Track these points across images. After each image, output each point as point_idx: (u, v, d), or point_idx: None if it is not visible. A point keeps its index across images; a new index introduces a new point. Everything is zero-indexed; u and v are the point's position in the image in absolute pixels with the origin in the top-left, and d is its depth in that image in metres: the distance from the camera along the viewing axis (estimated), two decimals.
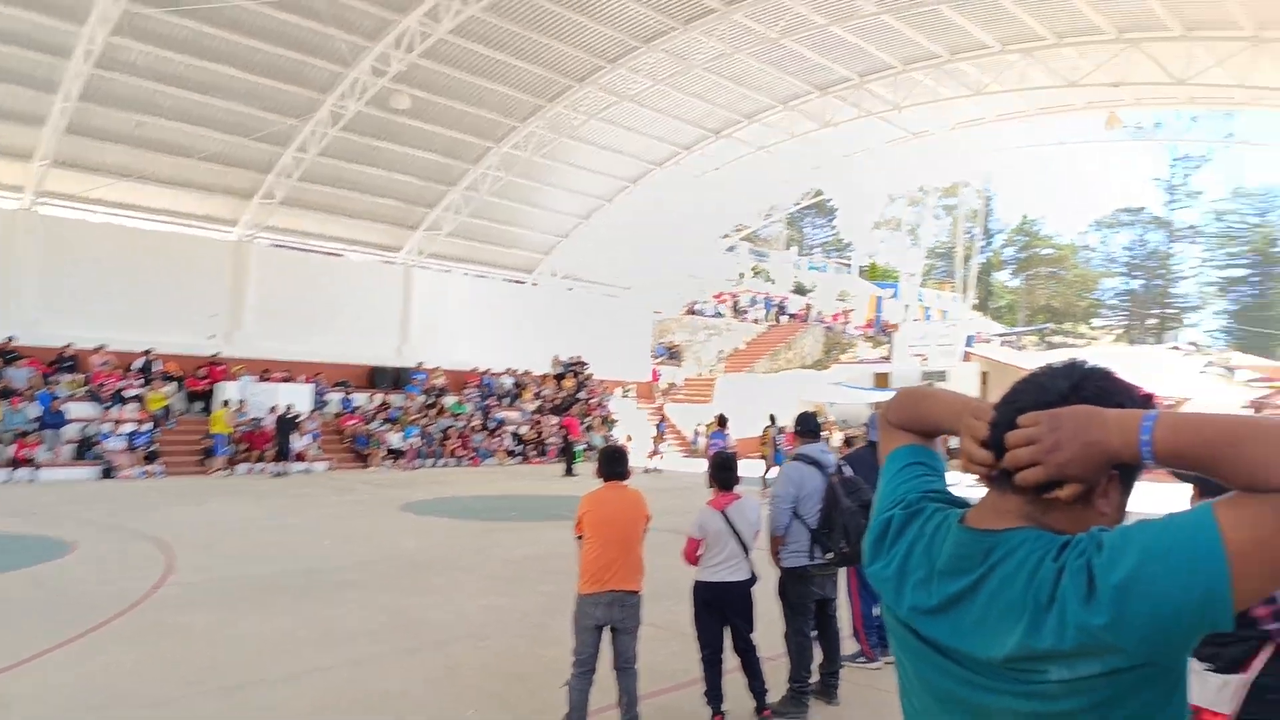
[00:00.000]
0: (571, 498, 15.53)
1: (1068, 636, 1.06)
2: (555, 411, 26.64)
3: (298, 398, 21.04)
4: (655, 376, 33.01)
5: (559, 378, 29.03)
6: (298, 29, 19.22)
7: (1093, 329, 63.00)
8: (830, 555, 5.03)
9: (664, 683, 5.35)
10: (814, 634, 5.21)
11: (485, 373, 27.19)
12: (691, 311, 39.26)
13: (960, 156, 32.48)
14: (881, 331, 40.75)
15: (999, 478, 1.22)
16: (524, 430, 25.40)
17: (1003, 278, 66.58)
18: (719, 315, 39.74)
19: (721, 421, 13.77)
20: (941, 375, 29.73)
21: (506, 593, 7.90)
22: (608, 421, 27.96)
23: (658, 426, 26.46)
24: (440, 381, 25.69)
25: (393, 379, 25.07)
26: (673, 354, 35.94)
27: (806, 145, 28.40)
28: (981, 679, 1.17)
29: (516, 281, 31.05)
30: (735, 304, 41.16)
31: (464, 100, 22.95)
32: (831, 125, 26.32)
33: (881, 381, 31.20)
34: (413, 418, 22.91)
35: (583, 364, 29.83)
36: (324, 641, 6.21)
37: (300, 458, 19.92)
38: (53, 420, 17.70)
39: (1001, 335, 44.63)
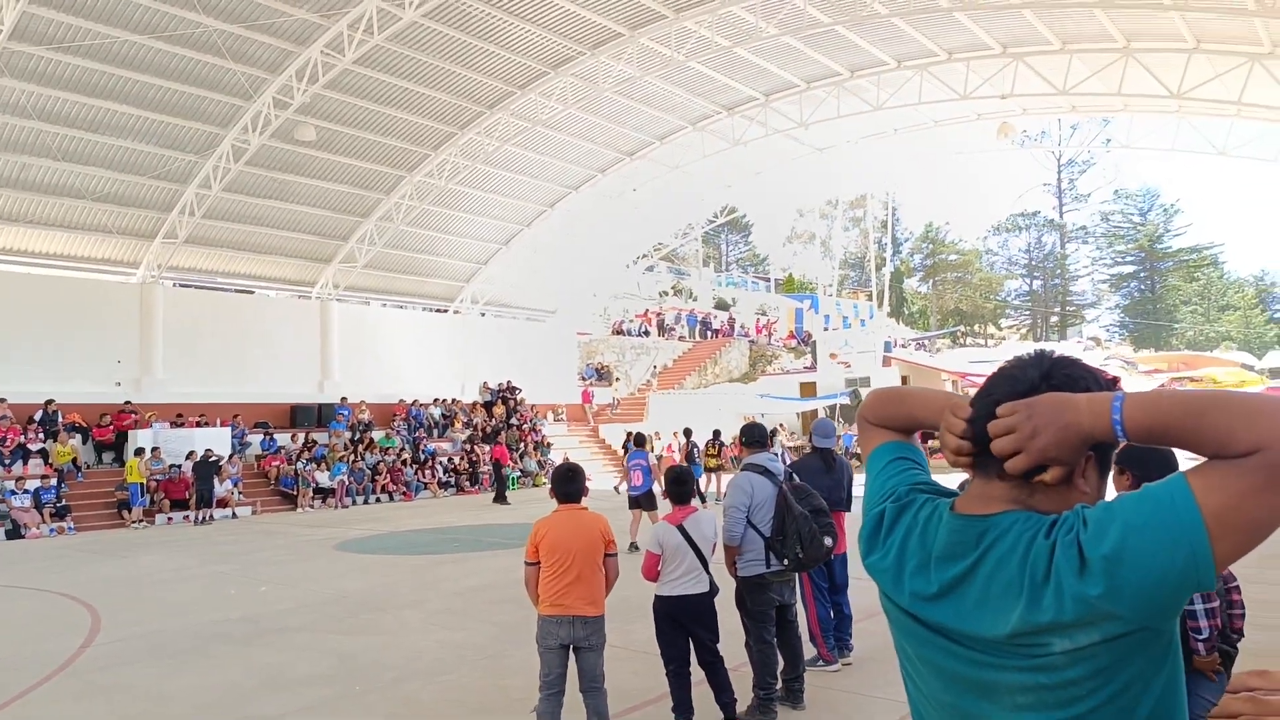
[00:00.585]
0: (510, 525, 15.40)
1: (1067, 608, 1.13)
2: (486, 440, 26.31)
3: (216, 442, 20.24)
4: (586, 398, 32.98)
5: (489, 405, 28.73)
6: (194, 63, 18.69)
7: (1000, 329, 66.02)
8: (786, 562, 5.15)
9: (630, 701, 5.37)
10: (774, 641, 5.31)
11: (413, 404, 26.68)
12: (618, 332, 39.45)
13: (865, 169, 33.74)
14: (803, 342, 41.76)
15: (983, 466, 1.29)
16: (457, 460, 25.01)
17: (913, 284, 69.08)
18: (645, 334, 40.04)
19: (639, 441, 13.74)
20: (865, 381, 30.65)
21: (458, 626, 7.78)
22: (541, 446, 27.78)
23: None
24: (366, 416, 25.10)
25: (315, 416, 24.38)
26: (602, 375, 35.99)
27: (719, 163, 29.05)
28: (987, 657, 1.22)
29: (439, 311, 30.65)
30: (660, 322, 41.56)
31: (373, 129, 22.67)
32: (741, 144, 27.01)
33: (808, 391, 31.96)
34: (340, 455, 22.29)
35: (513, 390, 29.60)
36: (273, 689, 6.01)
37: (223, 504, 19.13)
38: None
39: (916, 339, 46.27)
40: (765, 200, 37.29)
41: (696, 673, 4.85)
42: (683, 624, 4.88)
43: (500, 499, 20.86)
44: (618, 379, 36.56)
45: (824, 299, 41.76)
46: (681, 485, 5.18)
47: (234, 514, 19.31)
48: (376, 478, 22.50)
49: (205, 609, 8.96)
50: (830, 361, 32.34)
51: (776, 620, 5.31)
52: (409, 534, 15.40)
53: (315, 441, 22.56)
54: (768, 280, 57.16)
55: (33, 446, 18.58)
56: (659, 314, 42.60)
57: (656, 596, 4.94)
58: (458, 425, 27.04)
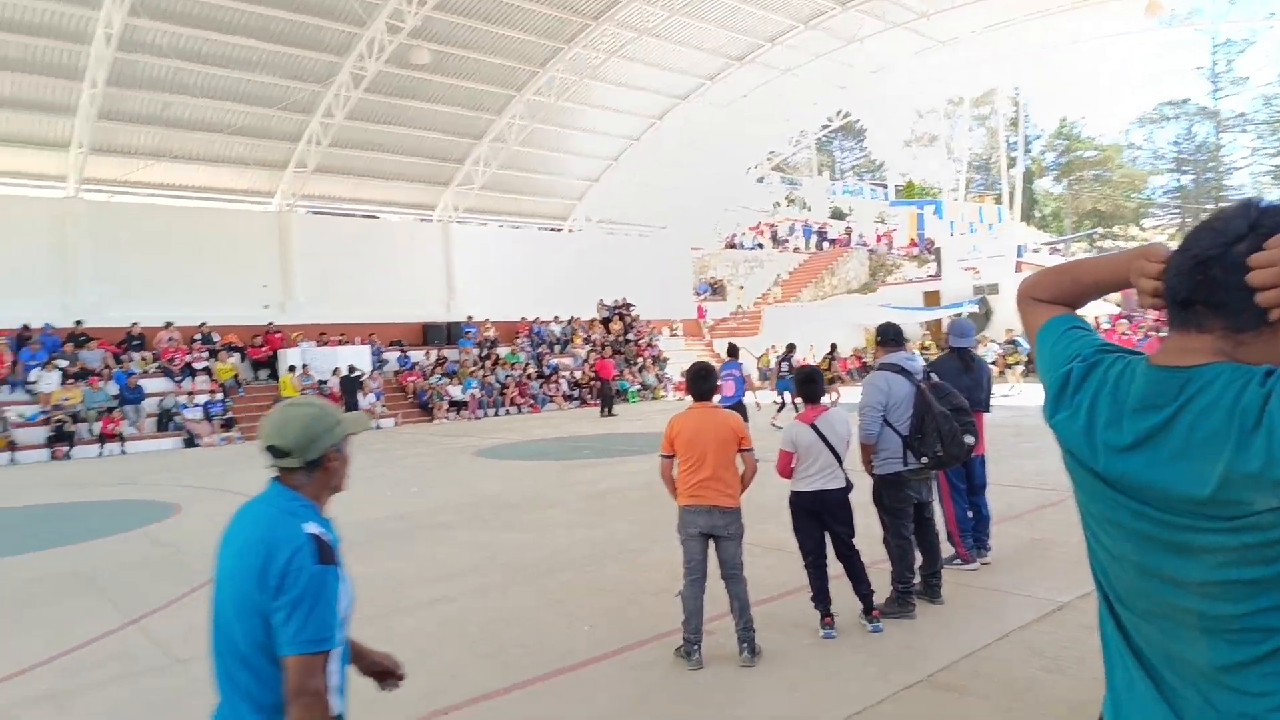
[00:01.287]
0: (635, 434, 15.87)
1: (1277, 458, 1.09)
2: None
3: (357, 359, 21.58)
4: (701, 313, 33.03)
5: (605, 321, 29.21)
6: None
7: (1144, 230, 61.21)
8: (925, 459, 5.14)
9: (768, 592, 5.57)
10: (911, 537, 5.35)
11: (534, 321, 27.49)
12: (731, 245, 39.00)
13: (991, 62, 31.40)
14: (926, 250, 40.14)
15: (1182, 319, 1.26)
16: (579, 375, 25.76)
17: (1045, 185, 64.76)
18: (759, 247, 39.42)
19: (732, 351, 13.79)
20: (994, 288, 29.31)
21: (597, 525, 8.19)
22: (658, 361, 28.17)
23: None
24: (491, 334, 26.08)
25: (445, 334, 25.52)
26: (716, 289, 35.85)
27: (832, 65, 27.75)
28: (1183, 519, 1.20)
29: (553, 229, 31.10)
30: (774, 234, 40.77)
31: (482, 50, 22.79)
32: (856, 41, 25.66)
33: (932, 300, 30.87)
34: (470, 370, 23.36)
35: (628, 306, 29.95)
36: (437, 577, 6.55)
37: (368, 415, 20.49)
38: (131, 396, 18.44)
39: (1050, 243, 43.68)
40: (882, 102, 35.39)
41: (834, 566, 4.97)
42: (819, 517, 4.98)
43: (606, 411, 21.11)
44: (738, 290, 36.35)
45: (948, 204, 39.79)
46: (811, 384, 5.20)
47: (378, 425, 20.68)
48: (505, 391, 23.49)
49: (365, 508, 9.75)
50: (956, 268, 30.99)
51: (914, 517, 5.34)
52: (540, 442, 16.12)
53: (446, 358, 23.70)
54: (885, 187, 54.79)
55: (197, 365, 20.29)
56: (772, 225, 41.77)
57: (792, 492, 5.04)
58: (577, 341, 27.69)
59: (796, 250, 40.36)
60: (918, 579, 5.34)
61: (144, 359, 20.13)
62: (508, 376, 23.99)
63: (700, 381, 4.82)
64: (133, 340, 20.40)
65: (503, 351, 25.57)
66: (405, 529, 8.43)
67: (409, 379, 22.96)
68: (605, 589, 5.98)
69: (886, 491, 5.28)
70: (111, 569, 7.25)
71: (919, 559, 5.40)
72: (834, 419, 5.05)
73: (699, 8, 23.12)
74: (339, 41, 20.90)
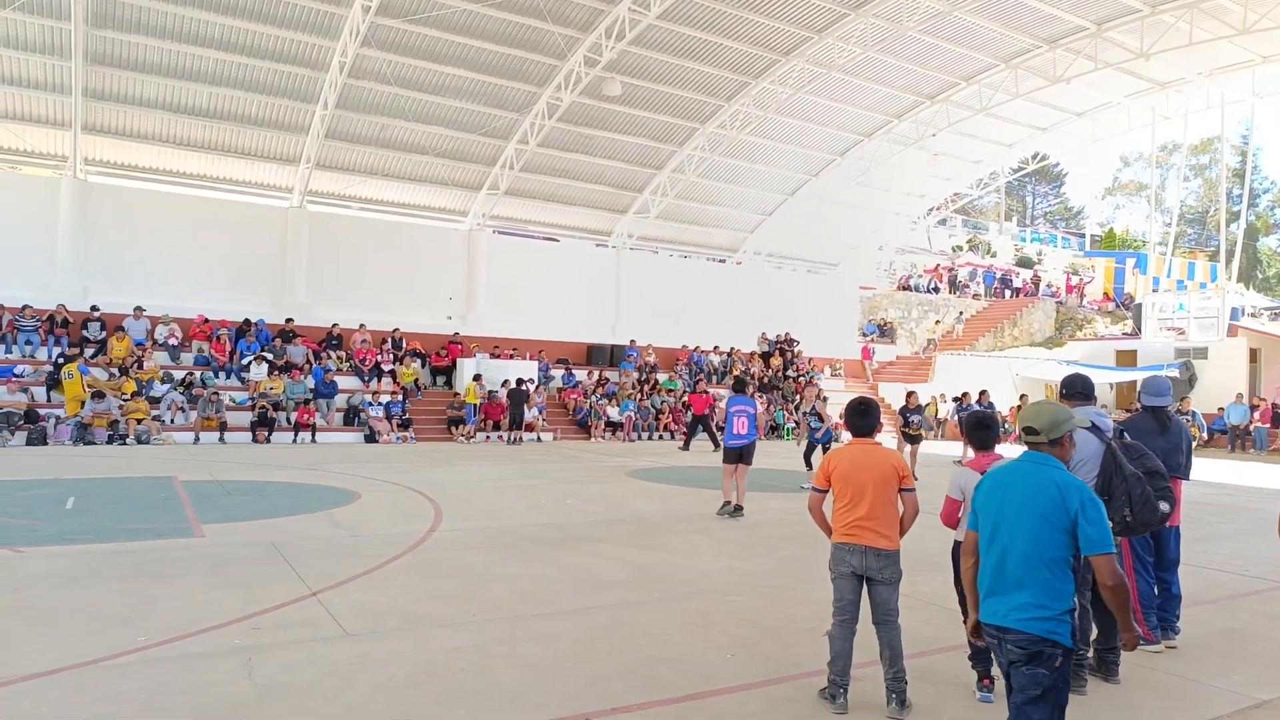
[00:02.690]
0: (789, 471, 15.58)
1: None
2: (763, 390, 26.66)
3: (525, 373, 22.55)
4: (866, 354, 32.09)
5: (766, 356, 28.98)
6: (518, 27, 20.46)
7: None
8: (1112, 524, 4.74)
9: (923, 646, 5.30)
10: (1088, 605, 4.94)
11: (694, 350, 27.70)
12: (905, 287, 37.72)
13: (1215, 108, 28.78)
14: (1123, 306, 37.12)
15: None
16: None
17: (1271, 244, 58.30)
18: (935, 290, 37.89)
19: (739, 386, 11.42)
20: (1202, 351, 26.64)
21: (744, 556, 8.11)
22: (819, 398, 27.55)
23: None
24: (652, 359, 26.51)
25: (608, 356, 26.22)
26: (884, 331, 34.75)
27: (1032, 105, 26.40)
28: None
29: (721, 261, 31.32)
30: (953, 278, 39.06)
31: (671, 83, 23.42)
32: (1062, 81, 24.26)
33: (1126, 360, 28.47)
34: (628, 393, 23.84)
35: (791, 341, 29.59)
36: (582, 587, 6.71)
37: (530, 428, 21.38)
38: (326, 391, 20.19)
39: (1272, 308, 39.17)
40: (1085, 146, 33.20)
41: None
42: None
43: (684, 446, 19.01)
44: (900, 337, 35.07)
45: (1153, 257, 36.62)
46: (985, 430, 4.95)
47: (539, 438, 21.52)
48: (660, 416, 23.77)
49: (522, 514, 10.17)
50: (1158, 327, 28.41)
51: (1092, 585, 4.92)
52: (692, 469, 16.17)
53: (607, 379, 24.32)
54: (1081, 236, 51.29)
55: (385, 367, 21.93)
56: (950, 269, 40.02)
57: (956, 542, 4.79)
58: (736, 373, 27.58)
59: (976, 297, 38.44)
60: (1090, 652, 4.92)
61: (339, 358, 22.00)
62: (663, 402, 24.28)
63: (860, 416, 4.69)
64: (332, 340, 22.37)
65: (661, 377, 25.92)
66: (558, 538, 8.70)
67: (571, 396, 23.74)
68: (749, 620, 5.90)
69: None
70: (298, 544, 7.94)
71: (1094, 631, 4.97)
72: None
73: (894, 45, 22.73)
74: (540, 73, 22.18)
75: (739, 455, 10.27)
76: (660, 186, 27.00)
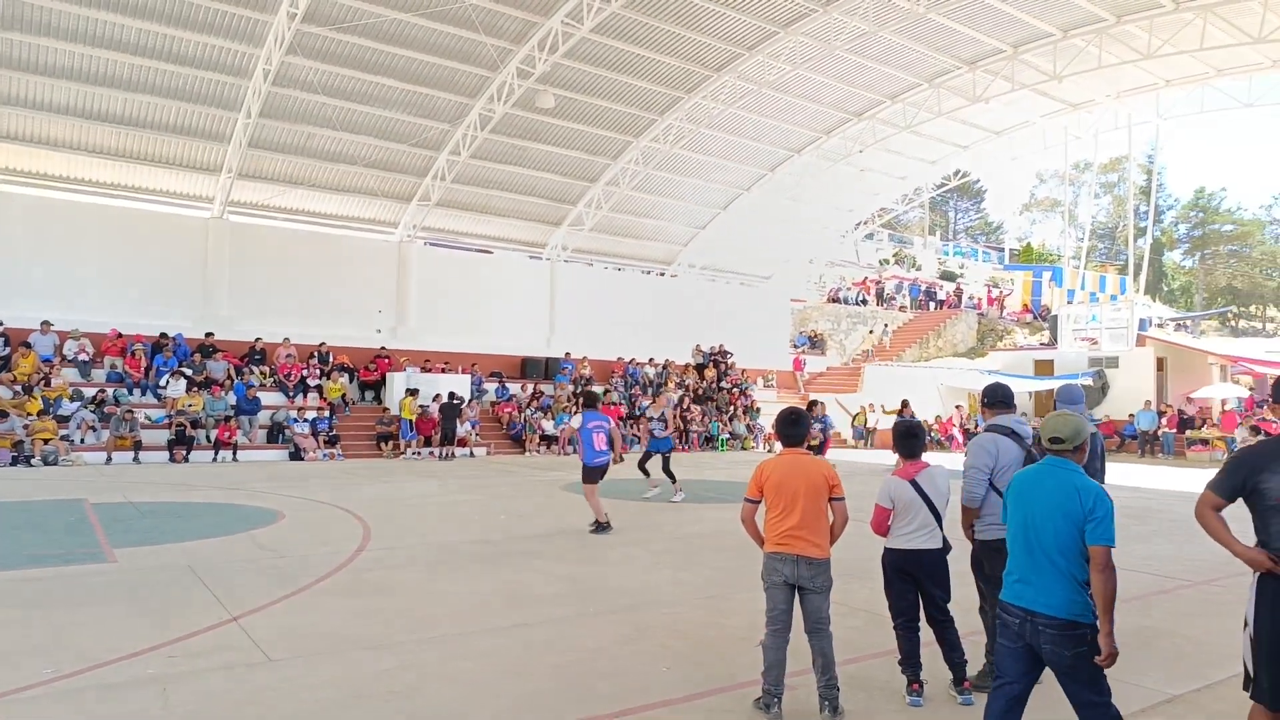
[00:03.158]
0: (721, 481, 15.69)
1: None
2: (698, 401, 26.86)
3: (458, 387, 22.20)
4: (798, 365, 32.63)
5: (700, 368, 29.20)
6: (450, 38, 20.26)
7: None
8: None
9: (855, 652, 5.38)
10: None
11: (630, 362, 27.72)
12: (834, 300, 38.53)
13: (1124, 127, 30.29)
14: (1040, 317, 38.60)
15: None
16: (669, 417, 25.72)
17: (1175, 258, 61.52)
18: (863, 303, 38.79)
19: (590, 401, 10.95)
20: (1113, 360, 27.88)
21: (681, 566, 8.12)
22: (750, 410, 27.91)
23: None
24: (587, 371, 26.43)
25: (543, 369, 26.04)
26: (815, 343, 35.40)
27: (954, 124, 27.35)
28: None
29: (658, 274, 31.50)
30: (880, 291, 40.07)
31: (605, 96, 23.50)
32: (982, 100, 25.21)
33: (1044, 369, 29.60)
34: (563, 405, 23.68)
35: (725, 354, 29.89)
36: (517, 603, 6.61)
37: (463, 443, 21.05)
38: (248, 407, 19.51)
39: (1177, 319, 41.31)
40: (1003, 164, 34.55)
41: (925, 632, 4.76)
42: (914, 577, 4.79)
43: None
44: (838, 345, 35.81)
45: (1068, 271, 38.22)
46: (913, 439, 5.06)
47: (471, 453, 21.20)
48: None
49: (454, 530, 10.00)
50: (1073, 337, 29.65)
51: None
52: (626, 482, 16.10)
53: (542, 392, 24.14)
54: (1000, 250, 53.25)
55: (311, 382, 21.33)
56: (878, 282, 41.06)
57: (886, 549, 4.88)
58: (670, 385, 27.72)
59: (902, 309, 39.49)
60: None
61: (263, 373, 21.30)
62: None
63: (790, 426, 4.74)
64: (254, 354, 21.64)
65: (596, 390, 25.79)
66: (491, 553, 8.57)
67: (505, 410, 23.47)
68: (685, 632, 5.90)
69: (988, 558, 5.03)
70: (218, 566, 7.63)
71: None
72: (936, 476, 4.89)
73: (823, 64, 23.26)
74: (472, 84, 21.97)
75: (603, 473, 10.00)
76: (595, 199, 27.02)
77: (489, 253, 28.13)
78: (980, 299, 42.12)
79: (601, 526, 9.87)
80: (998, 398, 5.47)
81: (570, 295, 28.35)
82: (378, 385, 22.87)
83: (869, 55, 23.22)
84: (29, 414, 16.86)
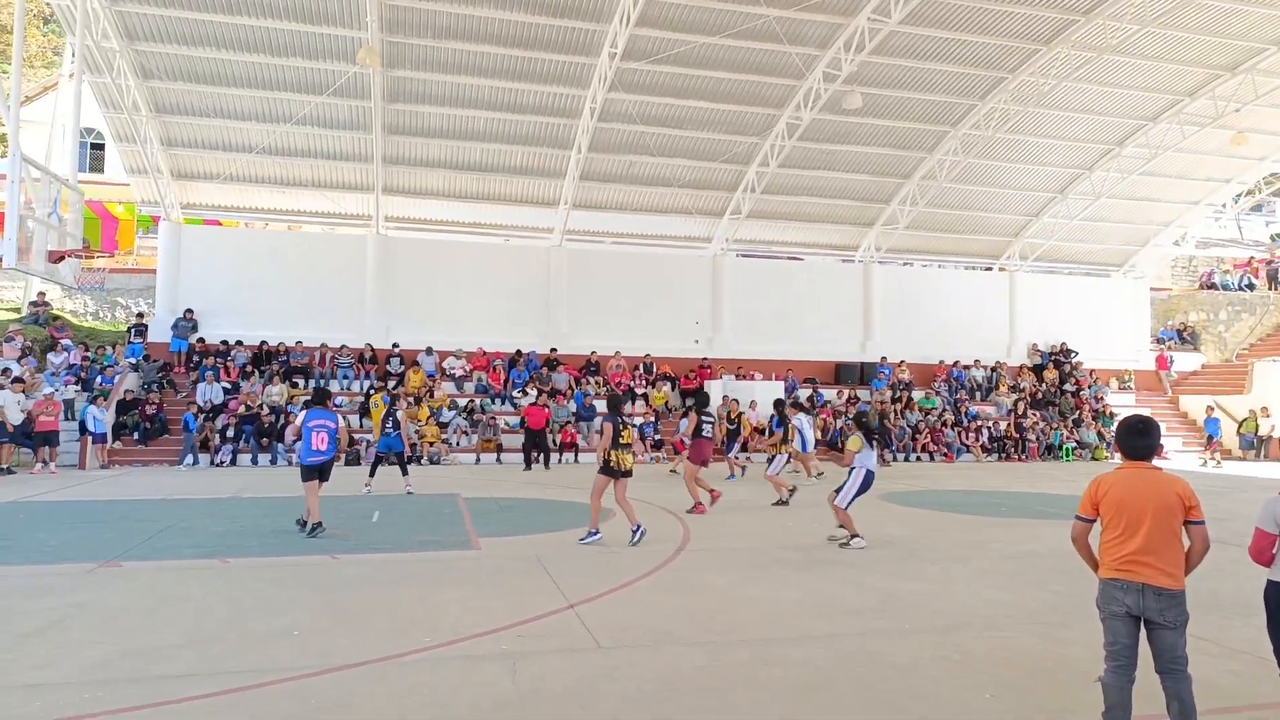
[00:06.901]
0: (1064, 496, 14.14)
1: None
2: (1035, 406, 24.49)
3: (773, 394, 22.40)
4: (1162, 364, 28.36)
5: (1038, 369, 26.59)
6: (756, 53, 20.68)
7: None
8: None
9: (1227, 701, 4.59)
10: None
11: (954, 365, 26.08)
12: (1208, 286, 32.87)
13: None
14: None
15: None
16: (1003, 425, 23.77)
17: None
18: (1249, 288, 32.62)
19: (320, 397, 10.35)
20: None
21: (1009, 587, 7.50)
22: (1101, 416, 24.83)
23: None
24: (906, 375, 25.35)
25: (858, 374, 25.44)
26: (1184, 337, 30.48)
27: None
28: None
29: (984, 269, 29.29)
30: (1273, 272, 33.41)
31: (916, 88, 22.44)
32: None
33: None
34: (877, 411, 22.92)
35: (1067, 353, 26.92)
36: (827, 612, 6.56)
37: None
38: (585, 414, 21.51)
39: None
40: None
41: None
42: None
43: (527, 465, 18.56)
44: (1205, 343, 30.57)
45: None
46: None
47: (789, 458, 21.20)
48: (917, 436, 22.60)
49: (766, 535, 10.16)
50: None
51: None
52: (951, 493, 15.21)
53: (858, 398, 23.57)
54: None
55: (638, 391, 22.92)
56: (1269, 262, 34.24)
57: (1269, 582, 4.11)
58: (1003, 389, 25.61)
59: None
60: None
61: (597, 383, 23.35)
62: (919, 421, 23.03)
63: (1135, 436, 4.13)
64: (590, 366, 23.81)
65: (917, 395, 24.63)
66: (803, 560, 8.58)
67: (820, 416, 23.23)
68: (1011, 659, 5.44)
69: None
70: (559, 558, 8.53)
71: None
72: None
73: (1180, 15, 20.14)
74: (778, 95, 22.25)
75: (319, 472, 9.89)
76: (909, 196, 25.86)
77: (799, 259, 28.15)
78: None
79: (316, 528, 9.66)
80: None
81: (886, 296, 27.40)
82: (696, 393, 23.84)
83: None
84: (420, 421, 20.15)
